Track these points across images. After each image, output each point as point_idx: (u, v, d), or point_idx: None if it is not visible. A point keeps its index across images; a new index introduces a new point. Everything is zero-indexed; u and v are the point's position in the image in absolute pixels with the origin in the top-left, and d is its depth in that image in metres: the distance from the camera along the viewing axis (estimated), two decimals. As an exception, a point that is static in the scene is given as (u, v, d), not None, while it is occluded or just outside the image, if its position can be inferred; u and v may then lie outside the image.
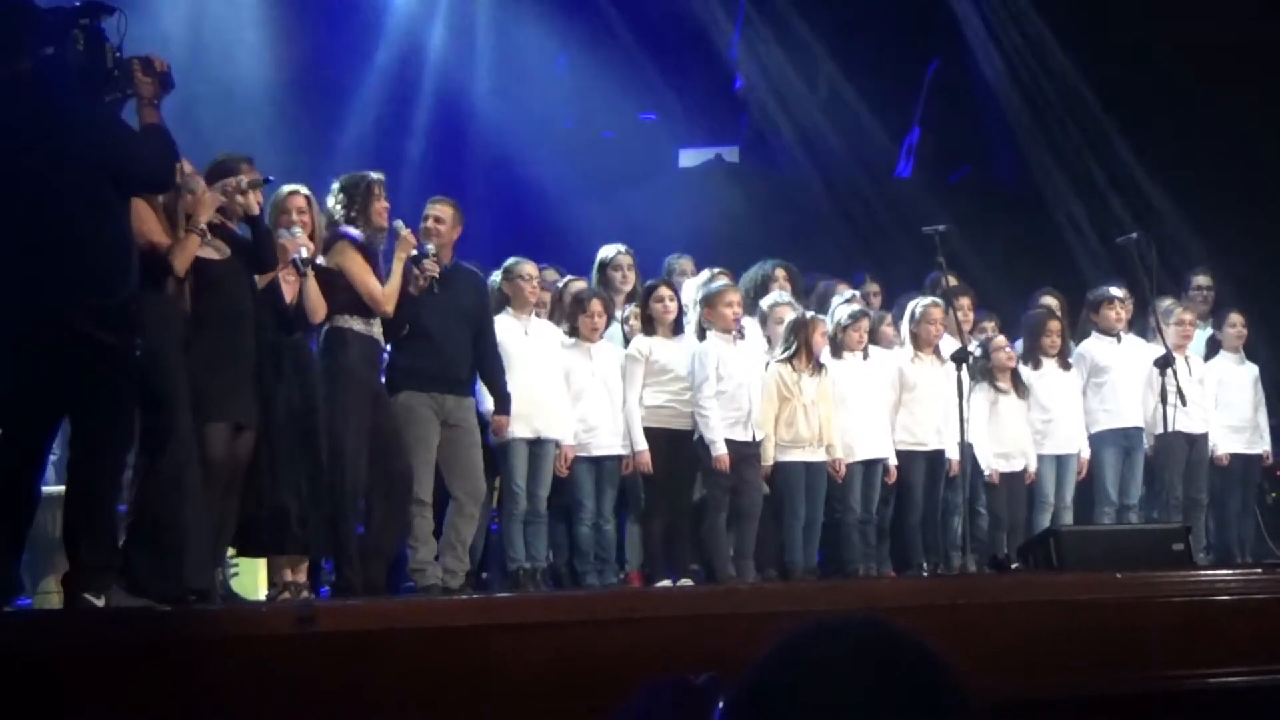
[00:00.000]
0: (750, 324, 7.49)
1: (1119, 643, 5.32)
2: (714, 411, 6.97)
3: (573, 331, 7.17)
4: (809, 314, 7.45)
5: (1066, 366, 8.09)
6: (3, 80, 4.66)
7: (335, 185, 6.43)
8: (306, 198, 6.13)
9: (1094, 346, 8.23)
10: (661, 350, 7.10)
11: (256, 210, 5.66)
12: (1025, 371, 8.02)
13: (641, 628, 4.74)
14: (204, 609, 4.96)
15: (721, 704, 1.44)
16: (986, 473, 7.72)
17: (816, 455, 7.27)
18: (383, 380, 6.56)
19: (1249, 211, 10.09)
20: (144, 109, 4.84)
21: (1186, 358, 8.14)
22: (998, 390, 7.87)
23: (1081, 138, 11.40)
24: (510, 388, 6.74)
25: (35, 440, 4.71)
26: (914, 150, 12.76)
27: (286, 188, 6.13)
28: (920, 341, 7.77)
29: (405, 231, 6.44)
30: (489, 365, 6.71)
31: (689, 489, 7.13)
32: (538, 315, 7.17)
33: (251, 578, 6.54)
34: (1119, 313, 8.19)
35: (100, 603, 4.65)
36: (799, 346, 7.24)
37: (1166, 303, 8.30)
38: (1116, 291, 8.25)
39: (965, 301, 8.11)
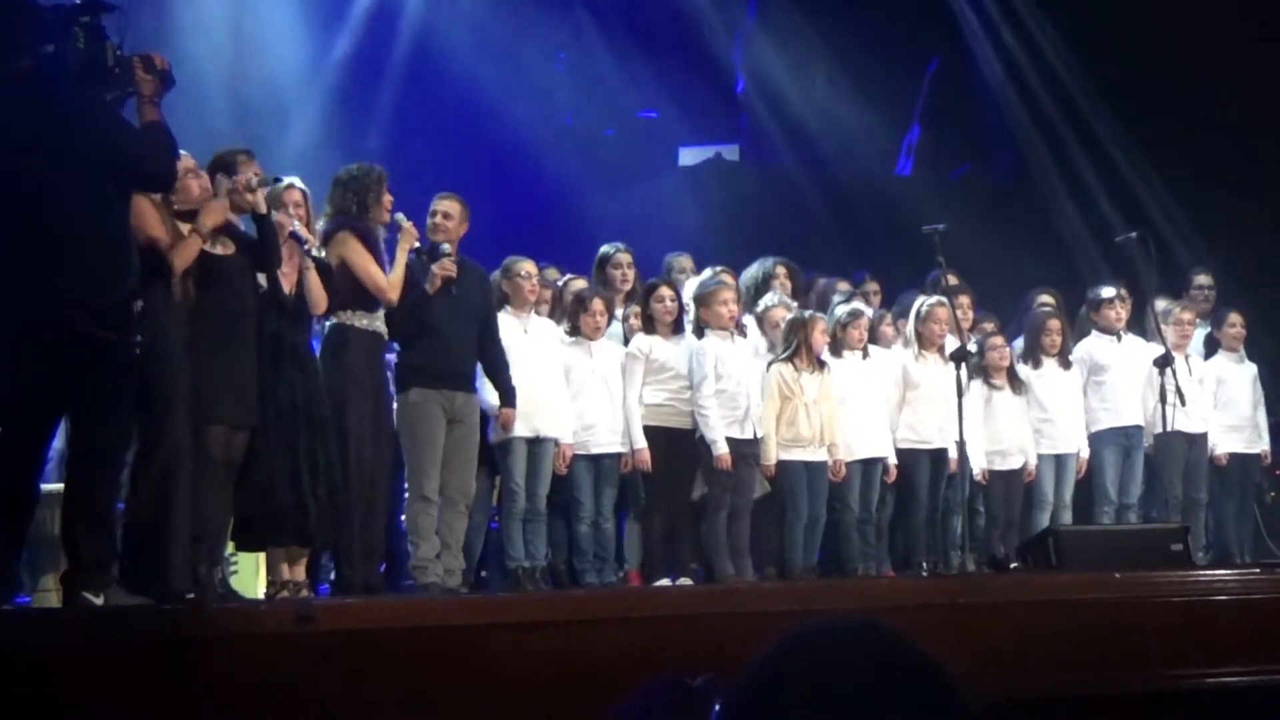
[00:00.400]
0: (750, 322, 7.50)
1: (1117, 642, 5.32)
2: (714, 410, 6.98)
3: (574, 330, 7.17)
4: (808, 313, 7.46)
5: (1067, 366, 8.09)
6: (3, 78, 4.66)
7: (339, 178, 6.42)
8: (302, 191, 6.14)
9: (1094, 345, 8.23)
10: (661, 349, 7.10)
11: (264, 210, 5.67)
12: (1025, 371, 8.02)
13: (640, 627, 4.75)
14: (202, 607, 4.96)
15: (718, 706, 1.44)
16: (976, 472, 7.70)
17: (817, 455, 7.27)
18: (390, 378, 6.59)
19: (1249, 211, 10.10)
20: (144, 106, 4.85)
21: (1186, 357, 8.15)
22: (991, 387, 7.86)
23: (1081, 136, 11.41)
24: (510, 385, 6.75)
25: (35, 438, 4.71)
26: (913, 148, 12.77)
27: (282, 182, 6.13)
28: (925, 340, 7.77)
29: (408, 224, 6.45)
30: (494, 360, 6.71)
31: (688, 488, 7.13)
32: (537, 313, 7.18)
33: (250, 575, 6.54)
34: (1119, 312, 8.19)
35: (99, 601, 4.65)
36: (799, 345, 7.25)
37: (1166, 302, 8.30)
38: (1117, 291, 8.25)
39: (965, 300, 8.10)
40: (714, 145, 12.80)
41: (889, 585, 6.58)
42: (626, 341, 7.32)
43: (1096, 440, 8.06)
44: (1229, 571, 6.38)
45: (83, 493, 4.74)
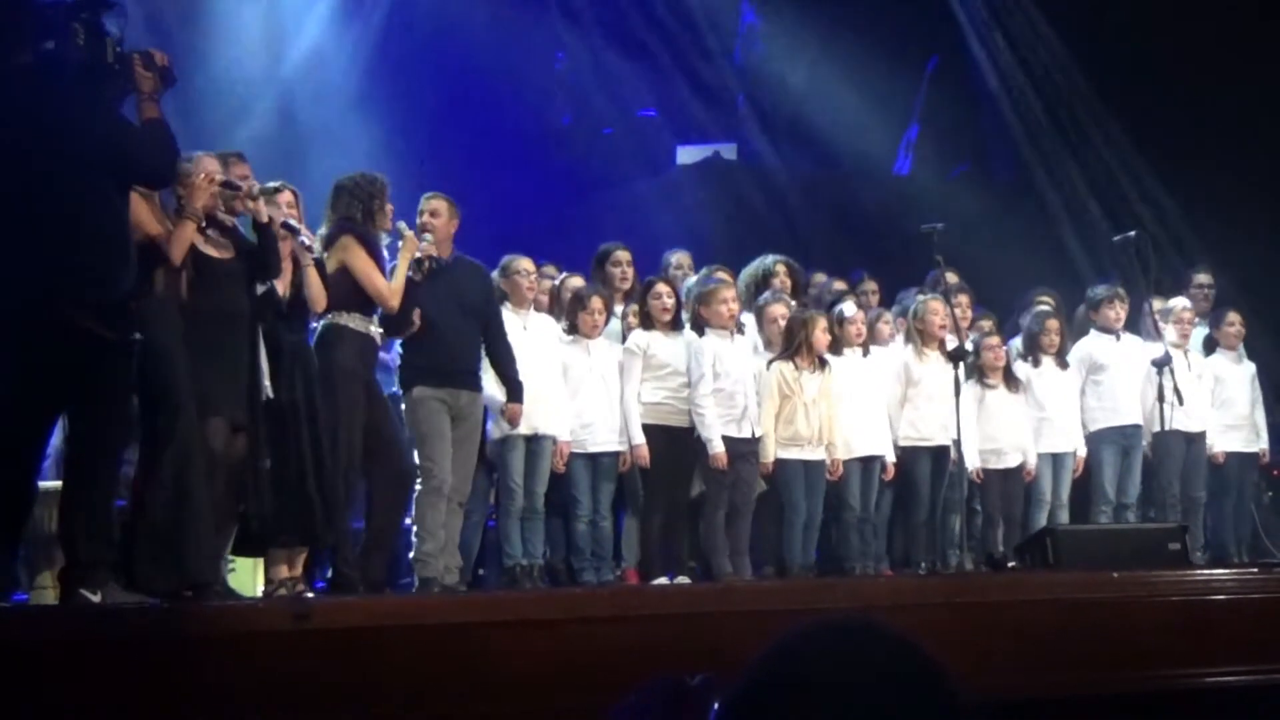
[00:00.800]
0: (748, 320, 7.50)
1: (1115, 642, 5.32)
2: (710, 409, 6.98)
3: (572, 329, 7.17)
4: (809, 311, 7.45)
5: (1065, 365, 8.09)
6: (3, 74, 4.66)
7: (343, 184, 6.41)
8: (294, 193, 6.14)
9: (1093, 345, 8.23)
10: (660, 346, 7.10)
11: (265, 218, 5.67)
12: (1025, 369, 8.02)
13: (638, 625, 4.74)
14: (200, 605, 4.96)
15: (716, 704, 1.44)
16: (970, 470, 7.69)
17: (815, 454, 7.27)
18: (394, 378, 6.59)
19: (1248, 210, 10.10)
20: (144, 104, 4.84)
21: (1186, 353, 8.16)
22: (985, 386, 7.86)
23: (1080, 135, 11.41)
24: (512, 383, 6.76)
25: (33, 435, 4.71)
26: (912, 147, 12.78)
27: (274, 185, 6.13)
28: (924, 337, 7.77)
29: (409, 232, 6.45)
30: (500, 354, 6.72)
31: (686, 486, 7.12)
32: (536, 311, 7.18)
33: (248, 574, 6.54)
34: (1118, 311, 8.19)
35: (96, 598, 4.65)
36: (799, 344, 7.24)
37: (1165, 301, 8.30)
38: (1116, 290, 8.25)
39: (964, 299, 8.10)
40: (712, 144, 12.81)
41: (887, 584, 6.57)
42: (625, 340, 7.32)
43: (1095, 439, 8.06)
44: (1226, 571, 6.39)
45: (80, 490, 4.73)
